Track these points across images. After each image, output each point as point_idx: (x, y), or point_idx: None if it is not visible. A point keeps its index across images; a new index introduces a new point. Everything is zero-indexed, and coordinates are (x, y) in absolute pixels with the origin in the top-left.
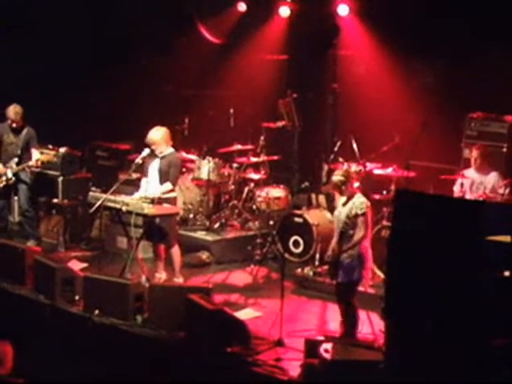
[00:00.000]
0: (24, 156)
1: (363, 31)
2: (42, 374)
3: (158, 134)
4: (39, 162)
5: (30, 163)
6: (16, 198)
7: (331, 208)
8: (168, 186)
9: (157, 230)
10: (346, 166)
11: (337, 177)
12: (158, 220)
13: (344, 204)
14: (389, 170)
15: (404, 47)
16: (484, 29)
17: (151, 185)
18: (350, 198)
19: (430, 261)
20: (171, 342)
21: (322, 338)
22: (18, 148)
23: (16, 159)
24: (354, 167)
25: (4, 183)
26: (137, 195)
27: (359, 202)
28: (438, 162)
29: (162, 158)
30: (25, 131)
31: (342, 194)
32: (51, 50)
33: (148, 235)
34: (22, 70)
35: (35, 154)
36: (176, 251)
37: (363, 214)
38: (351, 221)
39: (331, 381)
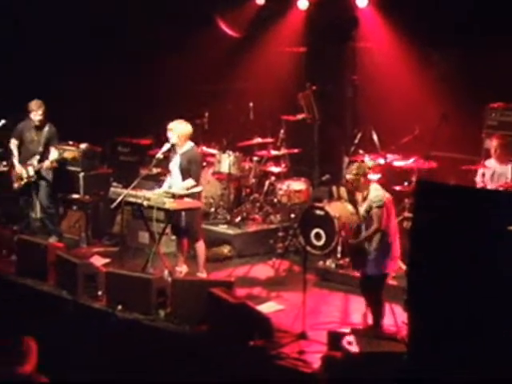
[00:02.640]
0: (45, 153)
1: (382, 23)
2: (65, 371)
3: (179, 126)
4: (54, 164)
5: (45, 164)
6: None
7: (352, 200)
8: (190, 182)
9: (182, 225)
10: (366, 157)
11: (349, 175)
12: (183, 214)
13: (364, 199)
14: (409, 161)
15: (423, 38)
16: (503, 18)
17: (174, 181)
18: (367, 191)
19: (452, 252)
20: (194, 336)
21: (344, 330)
22: (40, 145)
23: (38, 156)
24: (368, 161)
25: (26, 181)
26: (159, 190)
27: (374, 195)
28: (459, 153)
29: (182, 154)
30: (46, 128)
31: (358, 190)
32: (70, 48)
33: (173, 229)
34: (43, 67)
35: (53, 153)
36: (201, 246)
37: (378, 207)
38: (368, 214)
39: (355, 373)
